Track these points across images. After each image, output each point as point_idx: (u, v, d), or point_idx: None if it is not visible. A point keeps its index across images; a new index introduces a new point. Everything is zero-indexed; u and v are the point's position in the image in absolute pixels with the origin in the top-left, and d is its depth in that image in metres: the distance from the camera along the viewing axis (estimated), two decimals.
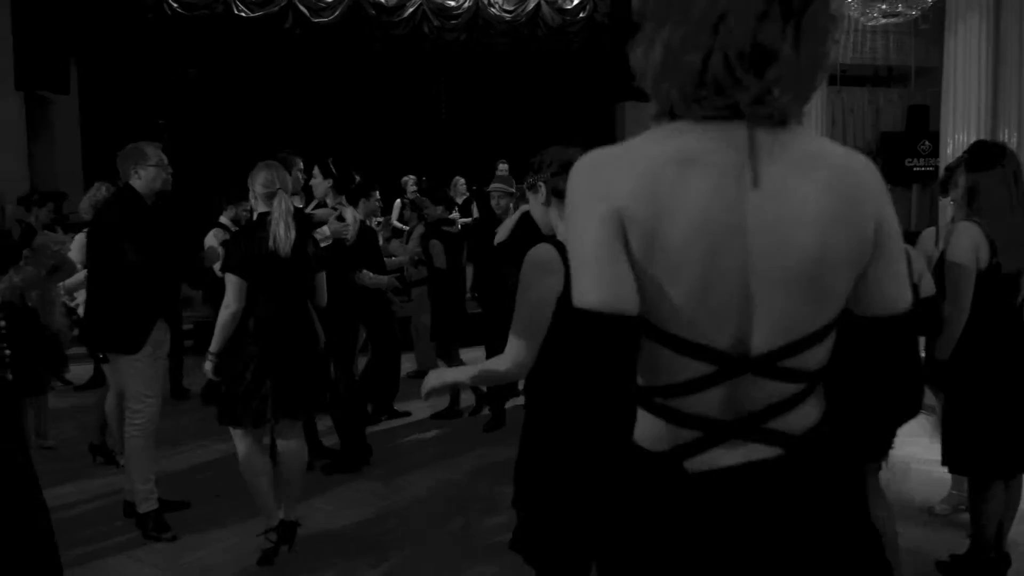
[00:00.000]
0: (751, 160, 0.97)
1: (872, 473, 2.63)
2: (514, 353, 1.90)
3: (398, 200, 8.39)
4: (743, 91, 0.95)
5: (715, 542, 1.02)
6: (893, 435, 1.56)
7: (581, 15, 10.65)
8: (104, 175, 4.72)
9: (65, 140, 10.20)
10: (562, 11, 10.60)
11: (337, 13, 10.02)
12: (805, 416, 1.05)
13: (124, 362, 3.49)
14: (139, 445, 3.50)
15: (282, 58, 10.49)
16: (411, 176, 8.66)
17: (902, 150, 10.00)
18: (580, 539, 1.73)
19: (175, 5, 9.57)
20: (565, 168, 1.87)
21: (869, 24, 9.71)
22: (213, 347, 3.21)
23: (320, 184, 4.52)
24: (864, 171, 1.03)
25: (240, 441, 3.25)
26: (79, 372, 5.45)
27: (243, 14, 9.78)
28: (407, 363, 5.77)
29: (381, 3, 10.17)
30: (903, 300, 1.04)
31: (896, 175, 9.50)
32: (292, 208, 3.24)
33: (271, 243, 3.13)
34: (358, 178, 4.79)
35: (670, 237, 0.96)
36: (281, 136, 10.57)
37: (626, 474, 1.08)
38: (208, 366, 3.23)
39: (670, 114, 1.01)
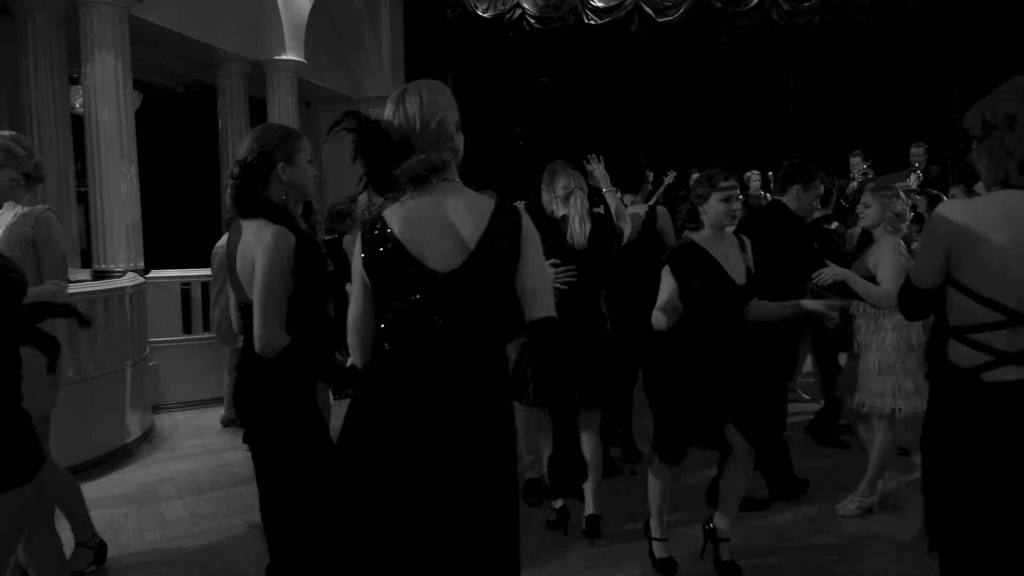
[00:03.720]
0: None
1: None
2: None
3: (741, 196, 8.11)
4: None
5: (999, 427, 1.82)
6: None
7: None
8: (473, 179, 5.25)
9: None
10: None
11: (682, 11, 10.00)
12: None
13: None
14: (522, 423, 3.91)
15: (627, 60, 10.80)
16: (755, 171, 8.32)
17: None
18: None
19: (532, 22, 10.39)
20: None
21: None
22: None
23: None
24: None
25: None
26: None
27: (592, 22, 10.26)
28: None
29: None
30: None
31: None
32: (588, 205, 3.54)
33: (568, 237, 3.46)
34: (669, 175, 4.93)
35: (990, 248, 1.81)
36: (626, 136, 10.91)
37: (945, 381, 1.94)
38: None
39: (1001, 183, 1.86)
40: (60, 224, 2.98)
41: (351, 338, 1.85)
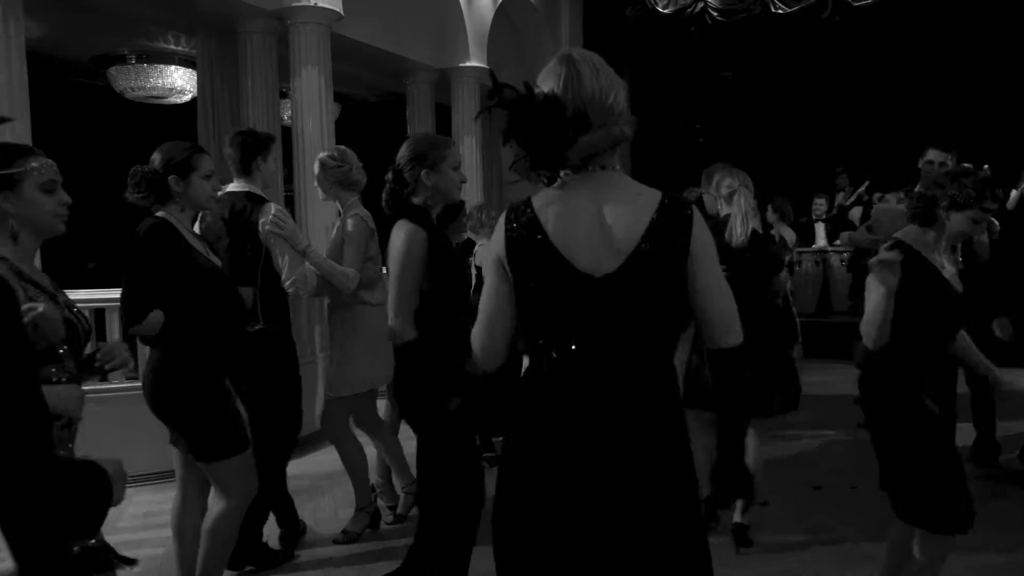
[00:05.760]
0: None
1: None
2: None
3: None
4: None
5: None
6: None
7: None
8: (649, 179, 5.16)
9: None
10: None
11: None
12: None
13: None
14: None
15: (818, 50, 10.15)
16: (985, 166, 7.53)
17: None
18: None
19: (715, 15, 10.05)
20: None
21: None
22: None
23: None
24: None
25: (699, 432, 3.56)
26: None
27: (780, 11, 9.74)
28: None
29: None
30: None
31: None
32: (753, 203, 3.50)
33: (727, 234, 3.42)
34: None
35: None
36: (814, 132, 10.27)
37: None
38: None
39: None
40: (365, 225, 3.48)
41: (481, 333, 1.63)
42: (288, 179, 7.06)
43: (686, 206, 1.55)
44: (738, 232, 3.40)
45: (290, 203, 6.64)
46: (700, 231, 1.54)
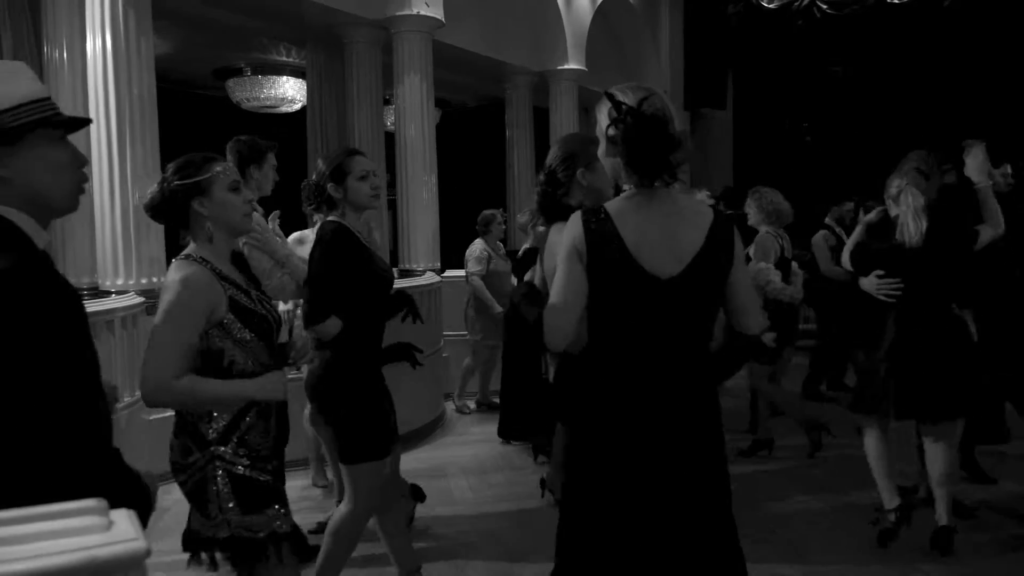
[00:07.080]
0: None
1: None
2: None
3: None
4: None
5: None
6: None
7: None
8: (753, 180, 5.02)
9: (719, 151, 11.39)
10: None
11: None
12: None
13: None
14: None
15: (937, 41, 9.59)
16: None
17: None
18: None
19: (824, 7, 9.66)
20: None
21: None
22: None
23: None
24: None
25: (869, 427, 3.44)
26: None
27: (895, 0, 9.27)
28: None
29: None
30: None
31: None
32: (922, 201, 3.30)
33: (898, 235, 3.27)
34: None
35: None
36: (935, 128, 9.69)
37: None
38: None
39: None
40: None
41: (557, 318, 1.78)
42: (391, 184, 7.28)
43: (730, 221, 1.84)
44: (911, 230, 3.24)
45: (392, 207, 6.83)
46: (737, 241, 1.86)
